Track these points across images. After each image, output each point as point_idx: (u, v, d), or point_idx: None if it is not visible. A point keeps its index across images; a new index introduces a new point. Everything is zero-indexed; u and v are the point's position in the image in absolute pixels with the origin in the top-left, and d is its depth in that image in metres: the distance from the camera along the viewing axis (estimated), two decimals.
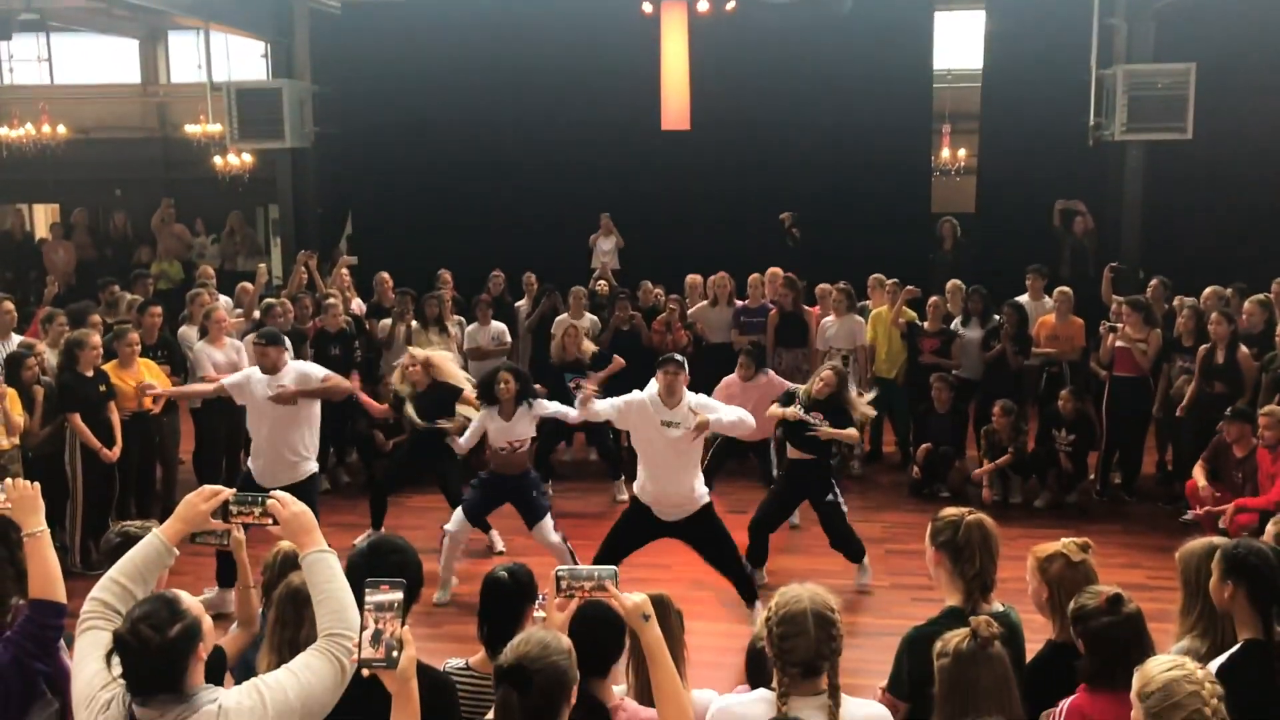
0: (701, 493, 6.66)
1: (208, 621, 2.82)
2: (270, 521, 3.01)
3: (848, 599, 7.31)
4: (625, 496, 7.25)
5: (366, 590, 2.68)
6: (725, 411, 6.64)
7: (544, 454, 9.45)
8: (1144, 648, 3.25)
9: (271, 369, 7.16)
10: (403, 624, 2.68)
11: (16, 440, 7.50)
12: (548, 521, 7.47)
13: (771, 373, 9.04)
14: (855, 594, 7.46)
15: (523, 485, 7.54)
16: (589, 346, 9.79)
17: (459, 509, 7.55)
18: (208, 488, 3.06)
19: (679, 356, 6.67)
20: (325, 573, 2.92)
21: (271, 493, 3.06)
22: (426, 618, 7.02)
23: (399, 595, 2.68)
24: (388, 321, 10.55)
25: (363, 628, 2.66)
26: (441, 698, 3.34)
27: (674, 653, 3.26)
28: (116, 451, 8.02)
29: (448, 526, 7.50)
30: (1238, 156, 12.92)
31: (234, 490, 3.07)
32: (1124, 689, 3.12)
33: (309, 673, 2.77)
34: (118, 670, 2.68)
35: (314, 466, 7.32)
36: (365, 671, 2.68)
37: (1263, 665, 3.31)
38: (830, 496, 7.57)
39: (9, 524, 3.45)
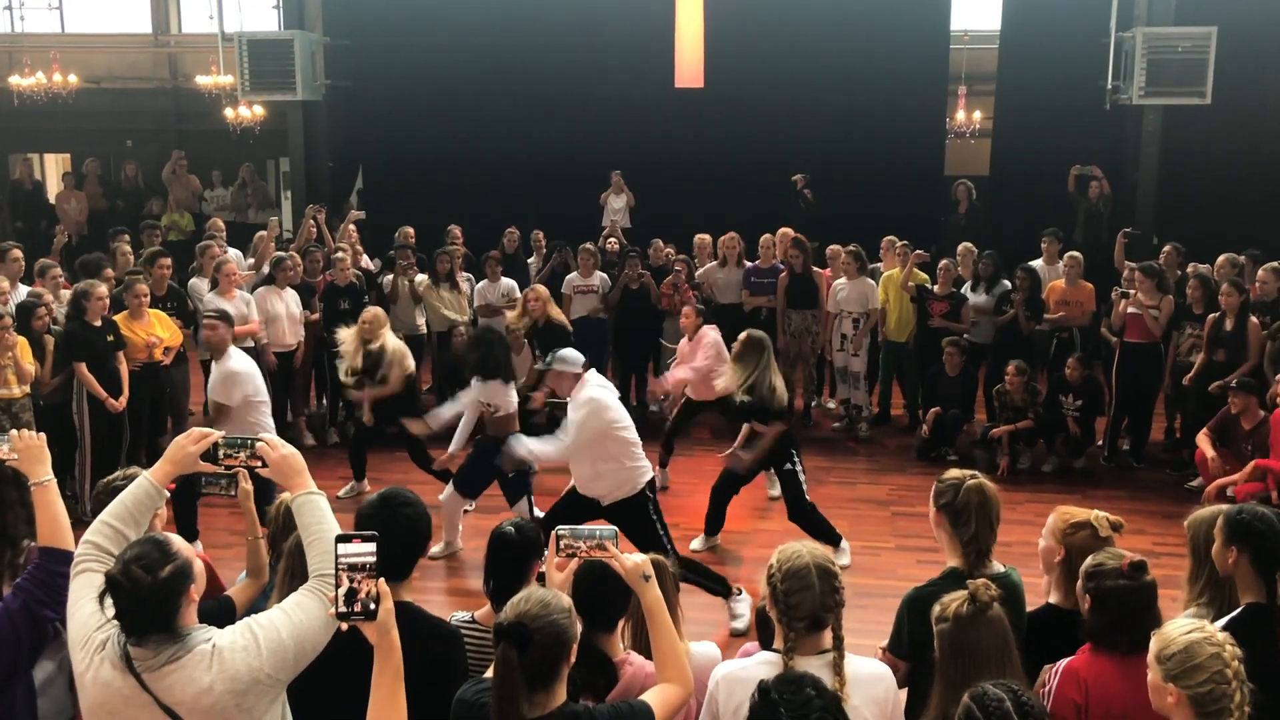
0: (613, 485, 6.27)
1: (199, 564, 2.86)
2: (259, 464, 3.03)
3: (854, 560, 7.33)
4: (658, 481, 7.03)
5: (339, 546, 2.66)
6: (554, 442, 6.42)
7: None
8: (1154, 618, 3.26)
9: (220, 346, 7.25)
10: (378, 579, 2.67)
11: (28, 389, 7.56)
12: (523, 504, 7.38)
13: (711, 330, 8.83)
14: (861, 555, 7.47)
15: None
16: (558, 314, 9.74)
17: (450, 483, 7.50)
18: (196, 430, 3.08)
19: (562, 354, 6.38)
20: (315, 514, 2.95)
21: (260, 435, 3.09)
22: (433, 572, 7.07)
23: (371, 555, 2.65)
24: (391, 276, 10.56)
25: (337, 585, 2.65)
26: (450, 648, 3.38)
27: (670, 615, 3.27)
28: (122, 401, 8.05)
29: (440, 496, 7.46)
30: (1256, 123, 12.82)
31: (222, 433, 3.08)
32: (1125, 654, 3.13)
33: (301, 612, 2.81)
34: (111, 611, 2.72)
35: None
36: (343, 625, 2.69)
37: (1263, 628, 3.32)
38: (789, 465, 7.25)
39: (19, 472, 3.47)
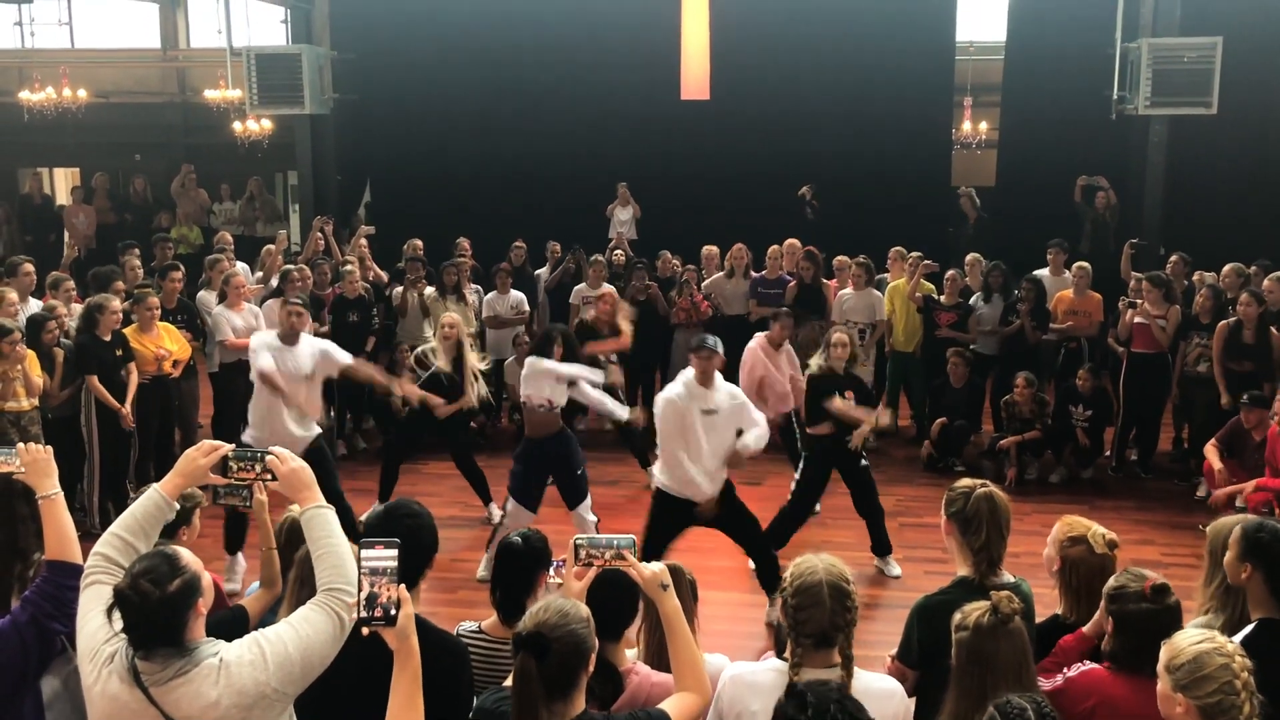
0: (724, 471, 6.54)
1: (207, 577, 2.88)
2: (270, 477, 3.04)
3: (861, 572, 7.32)
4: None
5: (361, 551, 2.70)
6: (753, 423, 6.56)
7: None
8: None
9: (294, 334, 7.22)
10: (399, 584, 2.70)
11: (36, 401, 7.57)
12: (587, 503, 7.38)
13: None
14: (868, 567, 7.46)
15: (564, 456, 7.31)
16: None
17: (510, 495, 7.31)
18: (207, 443, 3.10)
19: (711, 341, 6.40)
20: (323, 528, 2.96)
21: (270, 448, 3.10)
22: (441, 583, 7.07)
23: (393, 560, 2.69)
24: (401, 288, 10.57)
25: (359, 589, 2.69)
26: (455, 661, 3.38)
27: (687, 622, 3.27)
28: (129, 409, 8.07)
29: (506, 518, 7.32)
30: (1262, 132, 12.80)
31: (233, 446, 3.09)
32: (1146, 676, 3.11)
33: (308, 626, 2.81)
34: (119, 624, 2.73)
35: (316, 430, 7.30)
36: (365, 630, 2.71)
37: (1277, 644, 3.28)
38: (864, 461, 7.52)
39: (28, 485, 3.48)
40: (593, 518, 7.34)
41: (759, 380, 8.40)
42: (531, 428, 7.36)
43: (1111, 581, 3.38)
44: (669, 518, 6.50)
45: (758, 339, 8.72)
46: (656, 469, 6.62)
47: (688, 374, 6.43)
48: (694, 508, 6.45)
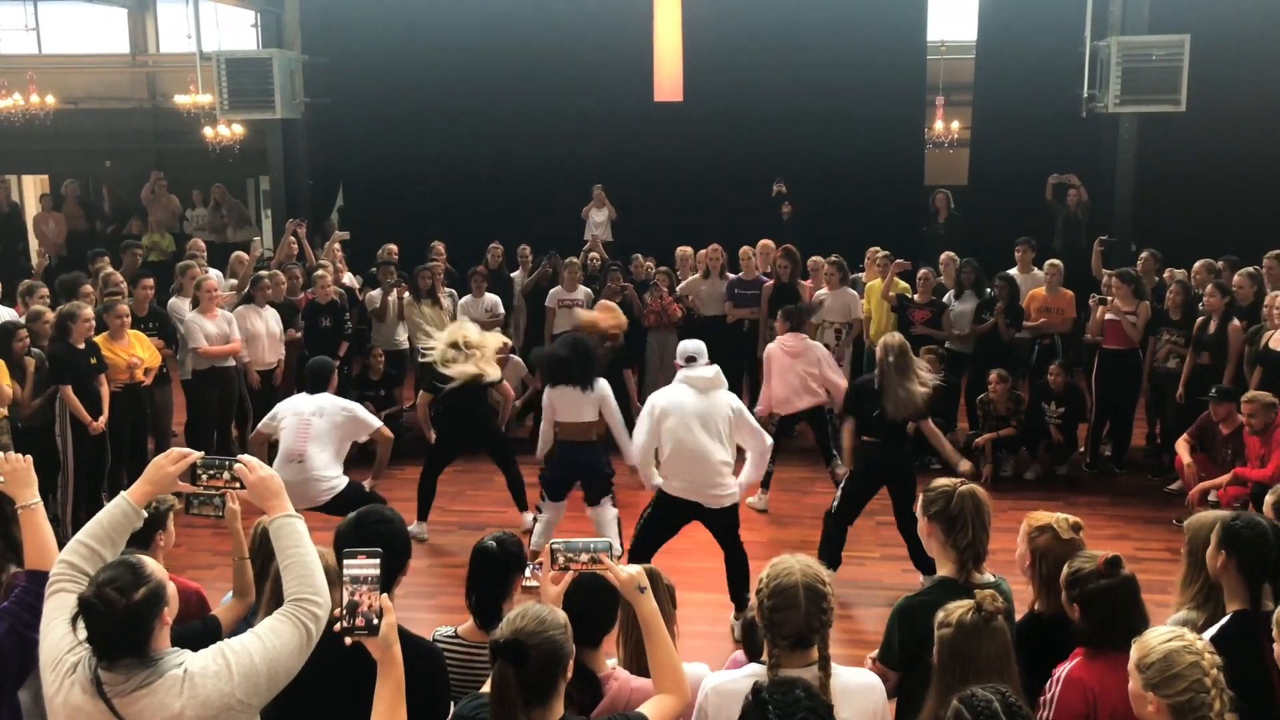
0: (736, 485, 6.42)
1: (172, 587, 2.84)
2: (238, 485, 3.02)
3: (840, 570, 7.32)
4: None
5: (344, 561, 2.70)
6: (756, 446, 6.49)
7: None
8: (1141, 611, 3.29)
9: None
10: (381, 593, 2.70)
11: (5, 411, 7.49)
12: (607, 503, 7.36)
13: (806, 337, 8.94)
14: (846, 565, 7.46)
15: (594, 461, 7.35)
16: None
17: (547, 494, 7.42)
18: (175, 450, 3.07)
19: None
20: (292, 537, 2.94)
21: (239, 456, 3.07)
22: (418, 588, 7.04)
23: (375, 568, 2.69)
24: (377, 293, 10.50)
25: (342, 599, 2.69)
26: (432, 667, 3.37)
27: (665, 626, 3.26)
28: (102, 422, 8.00)
29: (544, 515, 7.43)
30: (1231, 129, 12.92)
31: (201, 453, 3.07)
32: (1121, 652, 3.13)
33: (274, 637, 2.79)
34: (83, 634, 2.70)
35: (340, 483, 7.06)
36: (348, 640, 2.70)
37: (1251, 637, 3.32)
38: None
39: (2, 497, 3.45)
40: (612, 520, 7.32)
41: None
42: (564, 433, 7.32)
43: (1066, 570, 3.41)
44: (661, 516, 6.46)
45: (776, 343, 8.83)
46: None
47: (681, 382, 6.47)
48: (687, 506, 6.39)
